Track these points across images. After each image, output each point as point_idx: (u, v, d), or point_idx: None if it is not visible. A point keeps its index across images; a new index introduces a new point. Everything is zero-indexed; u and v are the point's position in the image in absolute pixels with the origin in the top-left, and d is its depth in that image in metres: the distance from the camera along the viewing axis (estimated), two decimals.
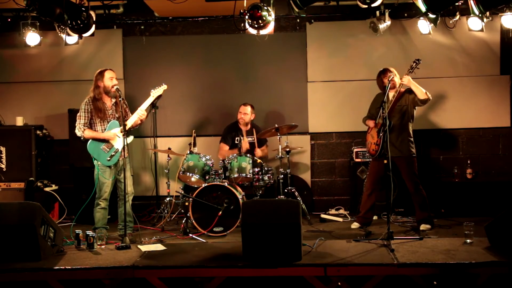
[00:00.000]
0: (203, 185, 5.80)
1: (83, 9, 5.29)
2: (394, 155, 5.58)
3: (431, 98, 5.72)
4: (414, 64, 5.63)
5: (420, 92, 5.64)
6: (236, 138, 6.63)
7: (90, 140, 5.54)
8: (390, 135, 5.38)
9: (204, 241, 5.44)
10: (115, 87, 5.53)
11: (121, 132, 5.46)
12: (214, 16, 7.24)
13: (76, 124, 5.55)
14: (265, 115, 6.83)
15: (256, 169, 6.12)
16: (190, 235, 5.63)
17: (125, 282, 4.51)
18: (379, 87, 5.92)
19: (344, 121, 7.21)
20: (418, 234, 5.54)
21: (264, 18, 5.36)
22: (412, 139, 5.81)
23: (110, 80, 5.57)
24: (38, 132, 6.92)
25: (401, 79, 5.64)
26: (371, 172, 5.95)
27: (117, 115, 5.63)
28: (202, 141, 7.14)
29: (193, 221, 5.73)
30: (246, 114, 6.68)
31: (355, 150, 6.92)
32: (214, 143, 7.10)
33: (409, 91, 5.76)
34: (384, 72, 5.79)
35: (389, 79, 5.57)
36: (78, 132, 5.54)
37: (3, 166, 6.70)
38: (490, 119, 7.10)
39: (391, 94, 5.74)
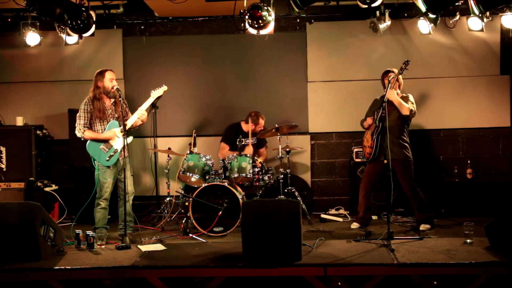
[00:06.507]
0: (203, 185, 5.80)
1: (83, 9, 5.30)
2: (390, 157, 5.56)
3: (415, 112, 5.69)
4: (404, 65, 5.59)
5: (403, 108, 5.63)
6: (238, 140, 6.60)
7: (89, 141, 5.54)
8: (385, 137, 5.36)
9: (204, 241, 5.44)
10: (115, 88, 5.54)
11: (121, 132, 5.46)
12: (214, 16, 7.24)
13: (76, 125, 5.55)
14: (265, 115, 6.83)
15: (256, 169, 6.12)
16: (190, 235, 5.63)
17: (125, 282, 4.50)
18: (383, 87, 5.90)
19: (344, 121, 7.20)
20: (418, 234, 5.53)
21: (264, 18, 5.37)
22: (407, 143, 5.79)
23: (110, 81, 5.57)
24: (38, 132, 6.93)
25: (386, 92, 5.51)
26: (366, 174, 5.97)
27: (116, 115, 5.63)
28: (202, 141, 7.14)
29: (193, 221, 5.73)
30: (262, 126, 6.75)
31: (355, 150, 6.92)
32: (214, 143, 7.11)
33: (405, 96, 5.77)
34: (386, 73, 5.78)
35: (389, 80, 5.56)
36: (78, 133, 5.53)
37: (3, 166, 6.70)
38: (490, 119, 7.10)
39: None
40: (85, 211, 5.70)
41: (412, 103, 5.73)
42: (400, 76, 5.74)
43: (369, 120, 5.87)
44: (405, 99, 5.74)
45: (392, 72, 5.72)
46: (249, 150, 6.55)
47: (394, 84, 5.63)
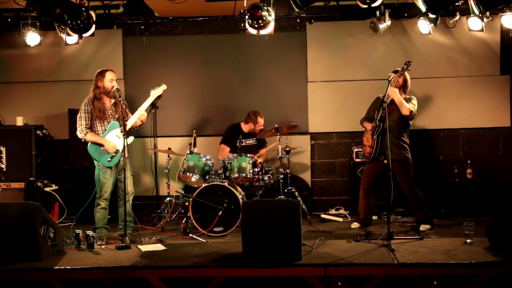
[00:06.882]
0: (203, 185, 5.80)
1: (83, 9, 5.29)
2: (390, 157, 5.54)
3: (414, 114, 5.68)
4: (405, 65, 5.58)
5: (404, 108, 5.59)
6: (238, 141, 6.60)
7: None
8: (385, 137, 5.36)
9: (204, 241, 5.44)
10: (115, 88, 5.54)
11: (121, 132, 5.46)
12: (214, 16, 7.24)
13: (77, 126, 5.54)
14: (265, 115, 6.83)
15: (256, 169, 6.12)
16: (190, 235, 5.63)
17: (125, 282, 4.51)
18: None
19: (344, 121, 7.20)
20: (418, 234, 5.53)
21: (264, 18, 5.37)
22: (407, 144, 5.78)
23: (110, 82, 5.56)
24: (38, 132, 6.92)
25: (386, 93, 5.46)
26: (366, 174, 5.95)
27: (116, 116, 5.63)
28: (202, 141, 7.14)
29: (193, 221, 5.73)
30: (262, 125, 6.75)
31: (355, 150, 6.92)
32: (214, 143, 7.11)
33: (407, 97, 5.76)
34: (393, 73, 5.74)
35: (389, 79, 5.54)
36: (80, 135, 5.53)
37: (3, 166, 6.70)
38: (490, 119, 7.10)
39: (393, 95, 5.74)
40: (85, 211, 5.70)
41: (414, 105, 5.71)
42: (408, 77, 5.72)
43: (368, 126, 5.85)
44: (408, 100, 5.72)
45: (397, 71, 5.70)
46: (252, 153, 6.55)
47: (394, 84, 5.62)
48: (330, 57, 7.22)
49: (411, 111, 5.63)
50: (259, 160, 6.24)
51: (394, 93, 5.61)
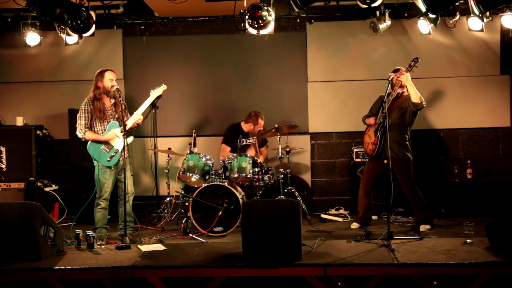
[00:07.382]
0: (203, 185, 5.80)
1: (83, 9, 5.29)
2: (390, 155, 5.53)
3: (424, 104, 5.65)
4: (413, 62, 5.59)
5: (415, 95, 5.57)
6: (238, 140, 6.60)
7: (90, 141, 5.54)
8: (387, 135, 5.35)
9: (204, 241, 5.44)
10: (114, 87, 5.54)
11: (121, 132, 5.46)
12: (214, 16, 7.24)
13: (77, 125, 5.54)
14: (265, 115, 6.83)
15: (256, 169, 6.12)
16: (190, 235, 5.63)
17: (125, 282, 4.50)
18: (392, 86, 5.85)
19: (344, 121, 7.20)
20: (418, 234, 5.54)
21: (264, 18, 5.37)
22: (408, 143, 5.76)
23: (110, 81, 5.57)
24: (38, 132, 6.93)
25: (385, 93, 5.45)
26: (367, 172, 5.94)
27: (116, 116, 5.63)
28: (202, 141, 7.14)
29: (193, 221, 5.73)
30: (261, 126, 6.75)
31: (355, 150, 6.92)
32: (214, 143, 7.11)
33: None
34: (396, 71, 5.69)
35: (389, 79, 5.53)
36: (79, 134, 5.53)
37: (3, 166, 6.70)
38: (490, 119, 7.10)
39: (394, 93, 5.74)
40: (85, 211, 5.70)
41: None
42: (409, 75, 5.70)
43: (371, 121, 5.86)
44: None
45: (397, 70, 5.69)
46: (251, 152, 6.55)
47: (396, 85, 5.63)
48: (330, 57, 7.22)
49: (422, 100, 5.59)
50: (259, 160, 6.24)
51: (407, 79, 5.58)
